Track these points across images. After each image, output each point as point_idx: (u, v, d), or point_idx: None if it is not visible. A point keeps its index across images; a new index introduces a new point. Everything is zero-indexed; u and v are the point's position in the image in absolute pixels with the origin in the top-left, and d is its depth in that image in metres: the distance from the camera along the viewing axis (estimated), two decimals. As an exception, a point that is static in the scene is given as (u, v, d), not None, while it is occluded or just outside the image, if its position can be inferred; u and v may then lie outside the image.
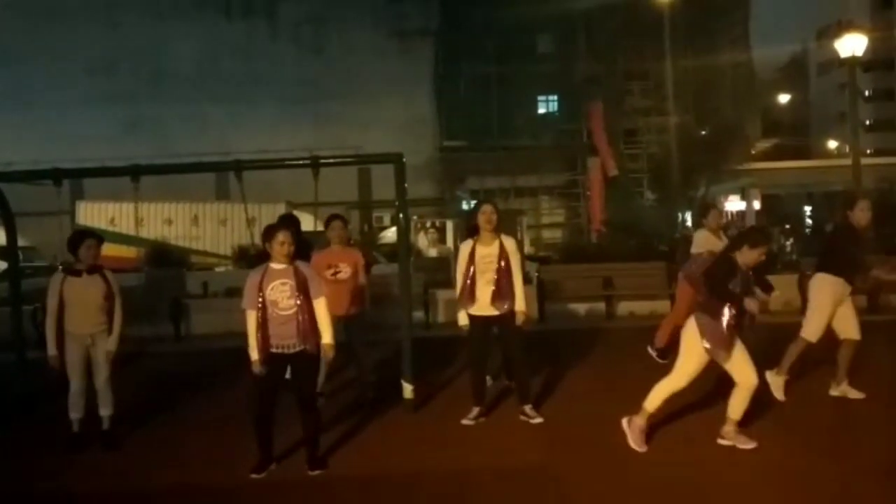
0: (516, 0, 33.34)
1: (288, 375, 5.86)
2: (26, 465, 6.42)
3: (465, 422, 6.84)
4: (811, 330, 7.09)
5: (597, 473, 5.62)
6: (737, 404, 5.90)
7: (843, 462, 5.60)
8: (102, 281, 6.62)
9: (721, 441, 5.96)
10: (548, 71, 36.94)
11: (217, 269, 23.15)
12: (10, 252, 8.58)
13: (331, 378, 8.06)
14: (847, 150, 36.04)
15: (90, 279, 6.58)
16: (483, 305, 6.72)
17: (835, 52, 17.62)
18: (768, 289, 6.01)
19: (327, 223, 7.83)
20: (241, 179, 7.63)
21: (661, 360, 8.52)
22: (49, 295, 6.56)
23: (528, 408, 6.91)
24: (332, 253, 7.70)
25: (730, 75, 38.24)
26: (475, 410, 6.92)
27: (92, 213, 27.09)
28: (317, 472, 5.79)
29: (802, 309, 9.19)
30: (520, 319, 6.78)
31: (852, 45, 16.26)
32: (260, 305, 5.65)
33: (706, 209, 9.34)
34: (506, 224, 7.33)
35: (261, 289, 5.67)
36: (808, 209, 36.64)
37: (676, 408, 6.53)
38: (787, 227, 29.03)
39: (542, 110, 40.38)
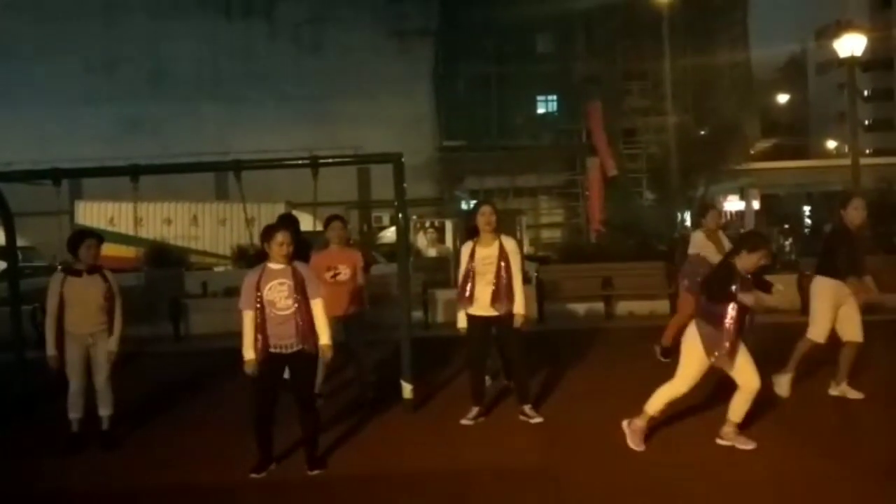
0: (516, 0, 33.37)
1: (286, 375, 5.87)
2: (26, 465, 6.41)
3: (464, 422, 6.84)
4: (817, 331, 7.10)
5: (596, 473, 5.62)
6: (738, 407, 5.90)
7: (842, 462, 5.60)
8: (102, 281, 6.62)
9: (720, 441, 5.96)
10: (547, 71, 36.98)
11: (216, 269, 23.18)
12: (9, 252, 8.58)
13: (330, 378, 8.07)
14: (846, 149, 36.04)
15: (90, 279, 6.58)
16: (483, 306, 6.72)
17: (834, 52, 17.63)
18: (768, 288, 5.99)
19: (327, 223, 7.83)
20: (241, 179, 7.62)
21: (663, 359, 8.52)
22: (49, 295, 6.55)
23: (527, 408, 6.91)
24: (331, 254, 7.69)
25: (729, 75, 38.30)
26: (474, 410, 6.92)
27: (91, 213, 27.08)
28: (316, 472, 5.79)
29: (803, 309, 9.23)
30: (518, 322, 6.76)
31: (851, 44, 16.27)
32: (258, 306, 5.65)
33: (705, 209, 9.34)
34: (505, 224, 7.33)
35: (258, 289, 5.67)
36: (807, 209, 36.67)
37: (676, 408, 6.53)
38: (787, 227, 29.07)
39: (541, 110, 40.41)
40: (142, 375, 9.45)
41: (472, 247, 6.80)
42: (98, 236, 6.83)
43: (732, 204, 36.09)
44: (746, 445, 5.85)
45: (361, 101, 34.25)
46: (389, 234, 23.38)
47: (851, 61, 16.63)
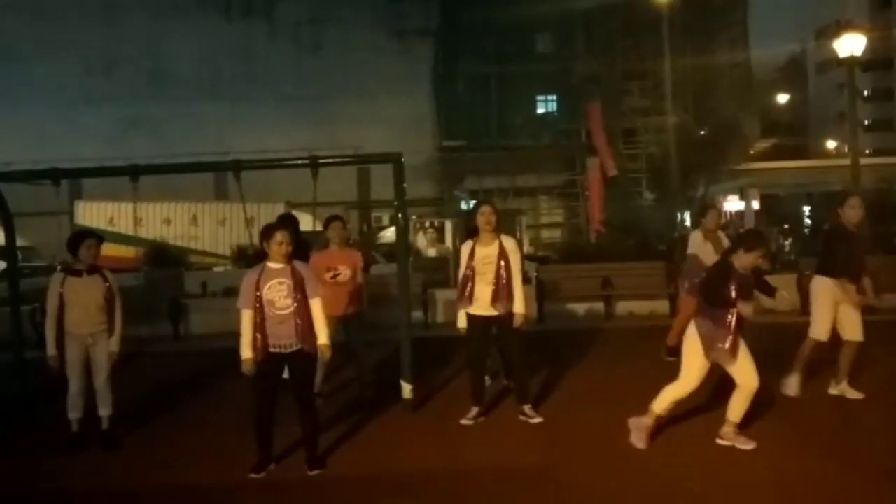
0: (515, 0, 33.36)
1: (286, 375, 5.87)
2: (26, 465, 6.41)
3: (463, 422, 6.84)
4: (818, 330, 7.11)
5: (596, 474, 5.62)
6: (737, 406, 5.91)
7: (842, 462, 5.60)
8: (102, 281, 6.62)
9: (720, 441, 5.96)
10: (547, 71, 36.97)
11: (216, 269, 23.17)
12: (8, 252, 8.57)
13: (330, 378, 8.07)
14: (846, 149, 36.02)
15: (90, 279, 6.58)
16: (483, 305, 6.72)
17: (833, 52, 17.60)
18: (771, 292, 5.98)
19: (327, 223, 7.84)
20: (240, 179, 7.62)
21: (669, 359, 8.50)
22: (49, 295, 6.55)
23: (527, 408, 6.91)
24: (331, 255, 7.70)
25: (728, 75, 38.26)
26: (474, 410, 6.92)
27: (90, 213, 27.08)
28: (316, 472, 5.79)
29: (803, 309, 9.22)
30: (518, 321, 6.76)
31: (851, 44, 16.25)
32: (257, 305, 5.65)
33: (705, 209, 9.33)
34: (505, 224, 7.32)
35: (258, 288, 5.67)
36: (806, 209, 36.65)
37: (678, 408, 6.54)
38: (786, 227, 29.05)
39: (541, 110, 40.41)
40: (141, 375, 9.45)
41: (472, 246, 6.80)
42: (98, 236, 6.83)
43: (732, 204, 36.06)
44: (746, 445, 5.85)
45: (361, 101, 34.24)
46: (389, 234, 23.38)
47: (851, 61, 16.61)
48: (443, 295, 12.99)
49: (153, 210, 26.75)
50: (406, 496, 5.44)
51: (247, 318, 5.68)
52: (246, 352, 5.66)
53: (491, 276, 6.67)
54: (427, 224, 23.72)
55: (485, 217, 6.71)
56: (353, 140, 28.91)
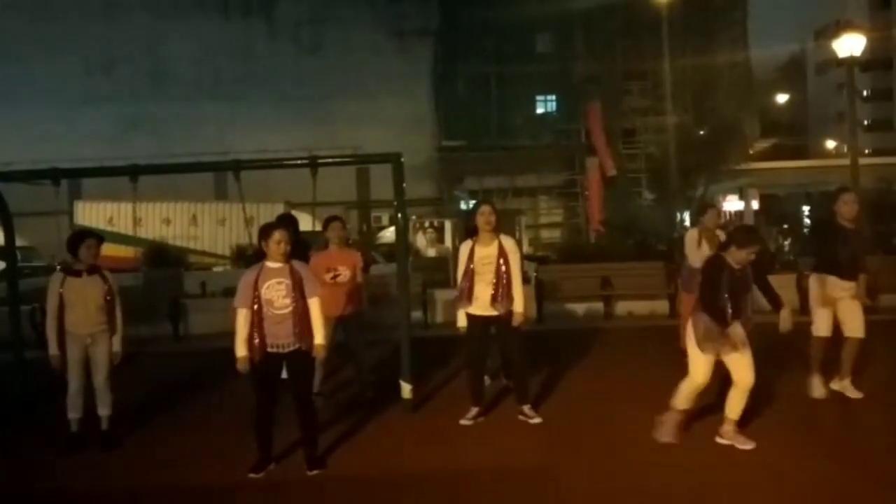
0: (515, 0, 33.37)
1: (284, 375, 5.87)
2: (25, 465, 6.41)
3: (463, 422, 6.84)
4: (817, 327, 7.13)
5: (595, 474, 5.61)
6: (734, 404, 5.92)
7: (842, 462, 5.60)
8: (102, 281, 6.62)
9: (719, 440, 5.97)
10: (546, 71, 37.00)
11: (215, 269, 23.16)
12: (8, 252, 8.57)
13: (329, 378, 8.08)
14: (845, 149, 36.04)
15: (90, 279, 6.58)
16: (483, 305, 6.71)
17: (833, 52, 17.59)
18: (777, 304, 5.93)
19: (326, 224, 7.84)
20: (240, 179, 7.62)
21: (685, 359, 8.47)
22: (48, 295, 6.55)
23: (526, 408, 6.91)
24: (330, 255, 7.70)
25: (728, 75, 38.29)
26: (473, 410, 6.92)
27: (90, 213, 27.05)
28: (315, 472, 5.79)
29: (802, 309, 9.21)
30: (517, 320, 6.75)
31: (850, 45, 16.24)
32: (255, 305, 5.65)
33: (704, 208, 9.33)
34: (504, 224, 7.32)
35: (256, 287, 5.67)
36: (806, 209, 36.67)
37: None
38: (786, 227, 29.05)
39: (540, 110, 40.43)
40: (141, 375, 9.44)
41: (472, 246, 6.80)
42: (98, 236, 6.83)
43: (732, 204, 36.06)
44: (746, 445, 5.86)
45: (361, 101, 34.25)
46: (389, 234, 23.38)
47: (850, 61, 16.60)
48: (442, 295, 12.99)
49: (153, 210, 26.74)
50: (405, 496, 5.44)
51: (242, 317, 5.68)
52: (240, 350, 5.66)
53: (490, 276, 6.67)
54: (426, 224, 23.69)
55: (484, 217, 6.71)
56: (353, 140, 28.93)
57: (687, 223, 26.34)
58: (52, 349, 6.51)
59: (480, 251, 6.74)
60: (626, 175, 34.94)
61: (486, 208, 6.76)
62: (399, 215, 7.86)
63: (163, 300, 13.06)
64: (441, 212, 28.64)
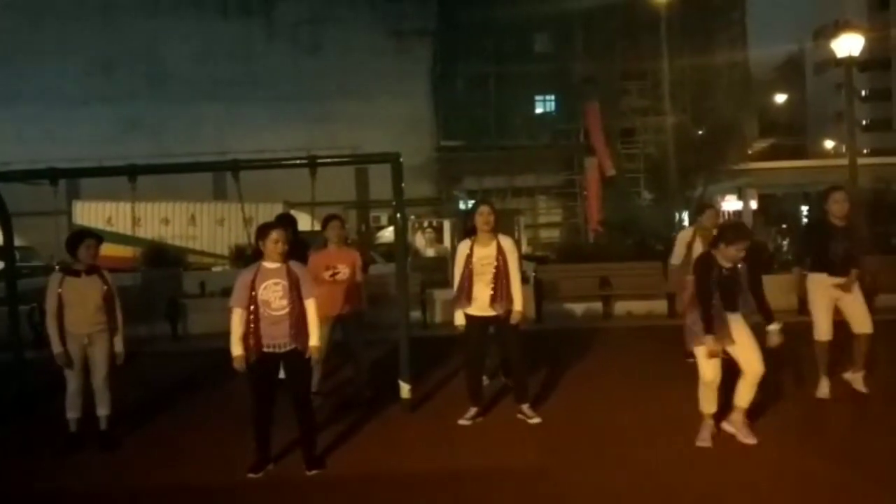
0: (514, 0, 33.37)
1: (282, 375, 5.87)
2: (24, 464, 6.41)
3: (462, 422, 6.84)
4: (817, 331, 7.14)
5: (594, 473, 5.61)
6: (743, 392, 5.95)
7: (842, 462, 5.60)
8: (101, 281, 6.61)
9: (725, 426, 6.03)
10: (545, 71, 37.02)
11: (214, 269, 23.15)
12: (6, 252, 8.57)
13: (328, 377, 8.08)
14: (844, 149, 36.08)
15: (89, 279, 6.57)
16: (482, 306, 6.71)
17: (831, 52, 17.58)
18: (768, 316, 5.91)
19: (325, 222, 7.83)
20: (239, 179, 7.63)
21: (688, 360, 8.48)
22: (48, 295, 6.54)
23: (525, 407, 6.91)
24: (329, 254, 7.70)
25: (727, 75, 38.33)
26: (472, 410, 6.92)
27: (88, 213, 27.04)
28: (314, 472, 5.78)
29: (800, 309, 9.22)
30: (516, 318, 6.75)
31: (849, 45, 16.25)
32: (252, 305, 5.65)
33: (702, 208, 9.32)
34: (503, 224, 7.32)
35: (253, 288, 5.67)
36: (804, 209, 36.70)
37: (676, 409, 6.56)
38: (784, 226, 29.08)
39: (539, 110, 40.46)
40: (140, 375, 9.43)
41: (470, 245, 6.79)
42: (97, 236, 6.83)
43: (730, 204, 36.08)
44: (748, 439, 5.89)
45: (360, 101, 34.26)
46: (387, 234, 23.38)
47: (849, 61, 16.60)
48: (441, 295, 12.99)
49: (151, 210, 26.73)
50: (404, 496, 5.44)
51: (237, 317, 5.69)
52: (236, 349, 5.67)
53: (489, 276, 6.67)
54: (425, 224, 23.66)
55: (483, 217, 6.71)
56: (352, 140, 28.93)
57: (686, 223, 26.37)
58: (56, 347, 6.49)
59: (479, 251, 6.74)
60: (624, 175, 34.97)
61: (484, 208, 6.76)
62: (398, 215, 7.86)
63: (161, 300, 13.06)
64: (440, 212, 28.63)
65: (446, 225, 23.22)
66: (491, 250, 6.71)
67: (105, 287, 6.61)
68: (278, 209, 17.79)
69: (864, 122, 58.38)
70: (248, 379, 5.79)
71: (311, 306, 5.79)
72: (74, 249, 6.58)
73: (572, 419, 6.94)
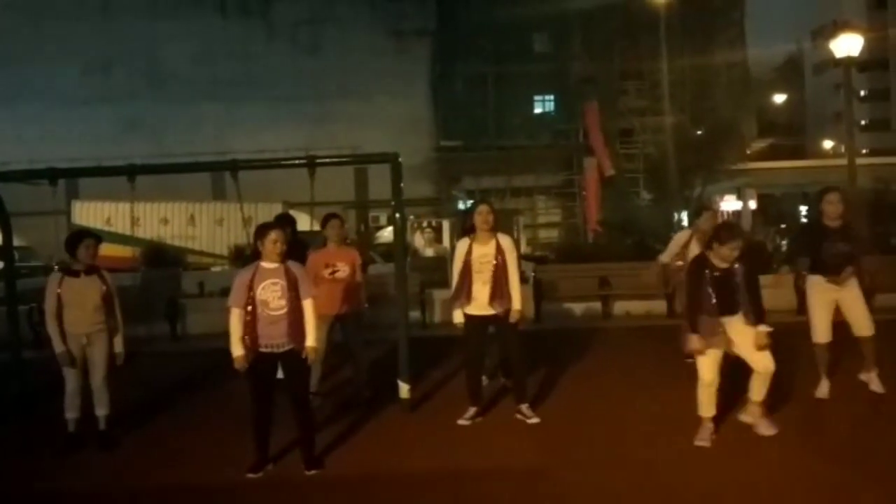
0: (513, 0, 33.38)
1: (280, 375, 5.87)
2: (23, 465, 6.40)
3: (461, 422, 6.84)
4: (815, 333, 7.15)
5: (593, 473, 5.61)
6: (756, 387, 6.01)
7: (842, 462, 5.60)
8: (100, 281, 6.61)
9: (743, 418, 6.11)
10: (544, 71, 37.03)
11: (213, 269, 23.14)
12: (5, 252, 8.56)
13: (327, 377, 8.08)
14: (843, 150, 36.09)
15: (88, 279, 6.57)
16: (481, 305, 6.71)
17: (830, 53, 17.59)
18: (760, 315, 5.87)
19: (325, 222, 7.83)
20: (238, 179, 7.64)
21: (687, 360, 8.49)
22: (47, 295, 6.53)
23: (524, 407, 6.91)
24: (329, 252, 7.70)
25: (725, 75, 38.34)
26: (471, 410, 6.92)
27: (88, 213, 27.01)
28: (313, 472, 5.78)
29: (799, 309, 9.23)
30: (514, 317, 6.75)
31: (848, 45, 16.25)
32: (249, 305, 5.65)
33: (701, 210, 9.30)
34: (502, 224, 7.33)
35: (251, 288, 5.67)
36: (803, 209, 36.74)
37: (676, 409, 6.56)
38: (783, 226, 29.10)
39: (538, 110, 40.46)
40: (139, 375, 9.40)
41: (469, 244, 6.79)
42: (96, 236, 6.83)
43: (729, 204, 36.11)
44: (767, 431, 5.97)
45: (359, 100, 34.27)
46: (387, 234, 23.38)
47: (848, 61, 16.61)
48: (440, 294, 12.98)
49: (150, 210, 26.71)
50: (403, 496, 5.44)
51: (235, 317, 5.68)
52: (237, 349, 5.66)
53: (488, 275, 6.67)
54: (424, 224, 23.68)
55: (482, 216, 6.71)
56: (351, 140, 28.94)
57: (685, 223, 26.38)
58: (58, 347, 6.48)
59: (478, 249, 6.74)
60: (623, 175, 34.95)
61: (483, 208, 6.76)
62: (397, 215, 7.87)
63: (160, 300, 13.05)
64: (439, 212, 28.67)
65: (445, 225, 23.25)
66: (490, 249, 6.72)
67: (104, 287, 6.60)
68: (277, 209, 17.78)
69: (862, 123, 58.33)
70: (246, 379, 5.79)
71: (308, 306, 5.79)
72: (73, 249, 6.58)
73: (571, 419, 6.94)
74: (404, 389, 7.36)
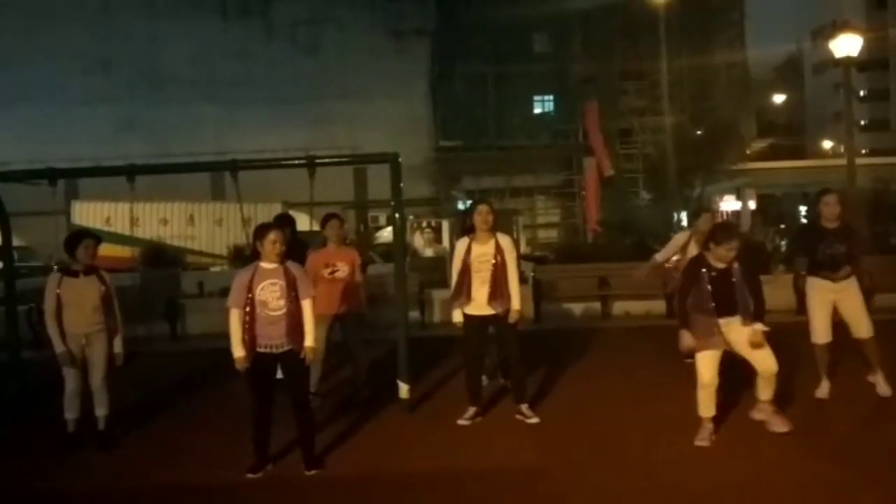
0: (513, 0, 33.38)
1: (280, 375, 5.86)
2: (23, 465, 6.40)
3: (460, 422, 6.83)
4: (814, 334, 7.15)
5: (593, 473, 5.61)
6: (762, 387, 6.06)
7: (842, 463, 5.60)
8: (99, 282, 6.60)
9: (755, 415, 6.15)
10: (544, 71, 37.04)
11: (213, 269, 23.15)
12: (5, 252, 8.56)
13: (327, 377, 8.08)
14: (842, 150, 36.10)
15: (87, 280, 6.56)
16: (480, 305, 6.71)
17: (830, 53, 17.59)
18: (760, 312, 5.89)
19: (324, 221, 7.83)
20: (237, 179, 7.63)
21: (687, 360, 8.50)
22: (46, 295, 6.52)
23: (524, 407, 6.90)
24: (329, 252, 7.70)
25: (725, 75, 38.36)
26: (471, 410, 6.92)
27: (87, 213, 27.03)
28: (313, 472, 5.78)
29: (798, 309, 9.22)
30: (513, 317, 6.75)
31: (847, 45, 16.25)
32: (248, 306, 5.65)
33: (700, 212, 9.29)
34: (502, 224, 7.33)
35: (250, 289, 5.66)
36: (803, 209, 36.74)
37: (676, 409, 6.56)
38: (783, 227, 29.11)
39: (537, 110, 40.48)
40: (139, 375, 9.39)
41: (469, 244, 6.79)
42: (96, 237, 6.83)
43: (729, 204, 36.12)
44: (780, 427, 6.00)
45: (358, 100, 34.27)
46: (386, 234, 23.38)
47: (847, 62, 16.61)
48: (440, 294, 12.97)
49: (150, 210, 26.73)
50: (403, 496, 5.44)
51: (235, 317, 5.68)
52: (238, 350, 5.66)
53: (487, 274, 6.67)
54: (424, 224, 23.71)
55: (482, 216, 6.71)
56: (351, 140, 28.97)
57: (684, 223, 26.37)
58: (59, 347, 6.48)
59: (477, 249, 6.74)
60: (623, 175, 34.97)
61: (483, 207, 6.76)
62: (396, 215, 7.87)
63: (160, 300, 13.05)
64: (438, 212, 28.68)
65: (445, 225, 23.27)
66: (489, 248, 6.71)
67: (103, 287, 6.60)
68: (277, 209, 17.80)
69: (862, 123, 58.33)
70: (246, 379, 5.79)
71: (307, 307, 5.79)
72: (73, 250, 6.57)
73: (571, 419, 6.94)
74: (404, 389, 7.36)
